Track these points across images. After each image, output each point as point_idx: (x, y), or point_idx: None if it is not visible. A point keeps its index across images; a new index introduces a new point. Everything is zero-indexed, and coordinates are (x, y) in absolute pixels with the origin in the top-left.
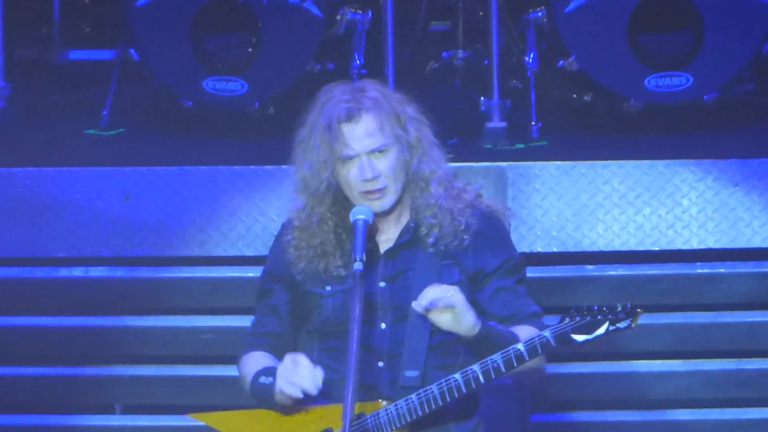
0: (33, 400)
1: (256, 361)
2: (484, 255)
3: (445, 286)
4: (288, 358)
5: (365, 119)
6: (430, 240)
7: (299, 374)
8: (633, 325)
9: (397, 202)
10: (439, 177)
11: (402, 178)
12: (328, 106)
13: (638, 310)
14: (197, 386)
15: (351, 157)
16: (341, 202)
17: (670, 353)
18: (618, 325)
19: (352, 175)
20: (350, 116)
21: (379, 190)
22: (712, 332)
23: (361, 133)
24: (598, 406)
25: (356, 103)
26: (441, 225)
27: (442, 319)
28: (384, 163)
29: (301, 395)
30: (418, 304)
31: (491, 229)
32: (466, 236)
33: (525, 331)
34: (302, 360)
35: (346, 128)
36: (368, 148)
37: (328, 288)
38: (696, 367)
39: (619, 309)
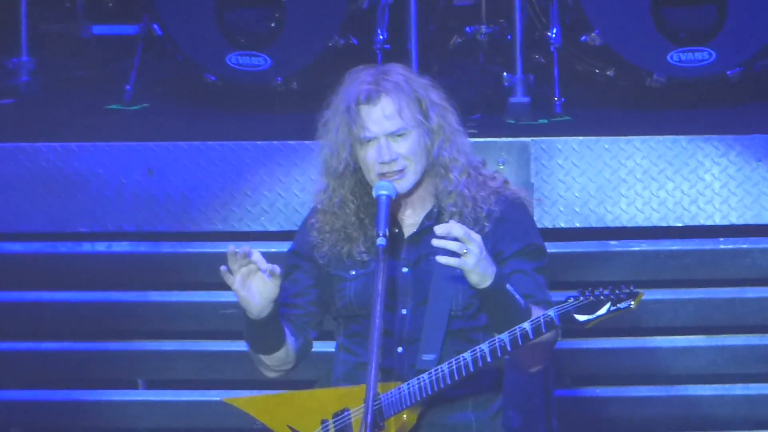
0: (56, 375)
1: None
2: (504, 239)
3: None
4: None
5: (384, 101)
6: None
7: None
8: (633, 306)
9: (418, 185)
10: (462, 165)
11: (423, 162)
12: (350, 88)
13: (639, 291)
14: (220, 361)
15: (369, 139)
16: (363, 185)
17: (693, 328)
18: (619, 305)
19: (369, 157)
20: (369, 98)
21: (398, 171)
22: (736, 307)
23: (379, 116)
24: (621, 381)
25: (376, 85)
26: (461, 213)
27: (461, 260)
28: (403, 146)
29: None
30: (442, 228)
31: (514, 215)
32: (487, 223)
33: (535, 312)
34: None
35: (365, 110)
36: (386, 130)
37: (352, 272)
38: (719, 342)
39: (621, 289)
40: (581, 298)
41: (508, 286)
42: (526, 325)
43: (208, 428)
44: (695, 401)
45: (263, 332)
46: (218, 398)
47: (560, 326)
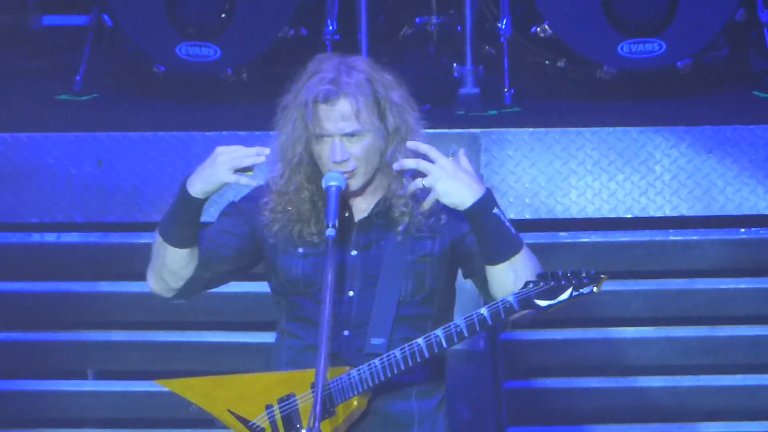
0: (5, 366)
1: None
2: (459, 221)
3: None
4: None
5: (342, 103)
6: (400, 228)
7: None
8: (596, 290)
9: (369, 183)
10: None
11: (374, 163)
12: (311, 83)
13: (602, 276)
14: (170, 352)
15: (324, 137)
16: (319, 173)
17: (643, 320)
18: (581, 290)
19: (324, 154)
20: (327, 98)
21: (349, 171)
22: (685, 299)
23: (336, 116)
24: (572, 372)
25: (336, 85)
26: (411, 213)
27: (439, 164)
28: (357, 147)
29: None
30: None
31: None
32: (443, 215)
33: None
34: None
35: (322, 109)
36: (342, 131)
37: (300, 250)
38: (669, 334)
39: (583, 275)
40: (541, 283)
41: (496, 210)
42: (484, 310)
43: (158, 419)
44: (645, 392)
45: (189, 218)
46: (167, 389)
47: (519, 311)
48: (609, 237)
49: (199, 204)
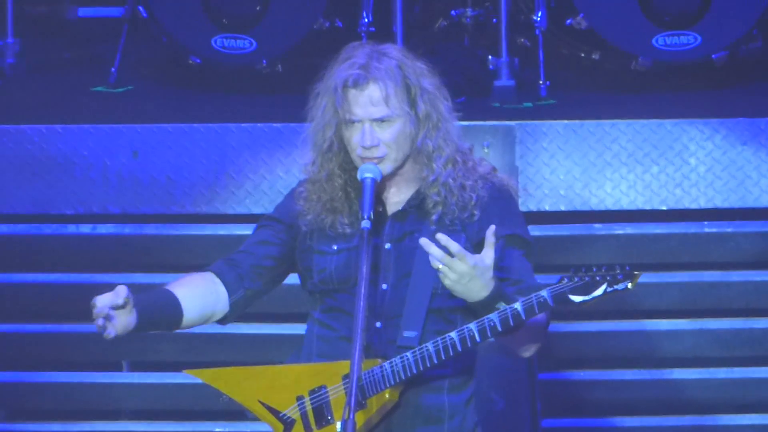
0: (41, 357)
1: (177, 283)
2: (491, 222)
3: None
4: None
5: (371, 88)
6: (434, 217)
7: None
8: (630, 287)
9: (400, 169)
10: (447, 154)
11: (405, 149)
12: (341, 68)
13: (636, 272)
14: (205, 343)
15: (354, 122)
16: (350, 160)
17: (677, 312)
18: (616, 286)
19: (354, 139)
20: (356, 83)
21: (378, 157)
22: (720, 291)
23: (365, 101)
24: (605, 364)
25: (366, 70)
26: (445, 203)
27: (456, 272)
28: (386, 133)
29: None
30: (429, 244)
31: (501, 200)
32: (476, 211)
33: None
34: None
35: (352, 94)
36: (371, 116)
37: (334, 246)
38: (703, 326)
39: (618, 270)
40: (575, 278)
41: (499, 304)
42: (518, 305)
43: (192, 410)
44: (679, 385)
45: (148, 328)
46: (200, 380)
47: (554, 307)
48: (643, 229)
49: (139, 327)
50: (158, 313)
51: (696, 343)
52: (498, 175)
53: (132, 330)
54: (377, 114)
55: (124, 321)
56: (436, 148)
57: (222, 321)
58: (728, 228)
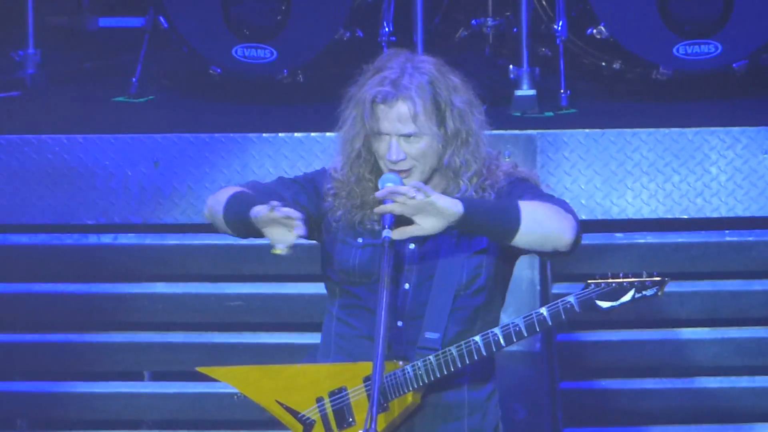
0: (62, 367)
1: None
2: (513, 196)
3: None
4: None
5: (400, 105)
6: (455, 232)
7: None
8: (660, 294)
9: (427, 182)
10: (474, 169)
11: (432, 164)
12: (373, 81)
13: (665, 279)
14: (226, 353)
15: (381, 134)
16: (380, 167)
17: (698, 321)
18: (645, 292)
19: (381, 150)
20: (385, 99)
21: (404, 170)
22: (741, 300)
23: (393, 117)
24: (627, 373)
25: (395, 87)
26: None
27: (417, 209)
28: (414, 148)
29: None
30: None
31: (520, 185)
32: None
33: (530, 203)
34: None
35: (381, 109)
36: (398, 131)
37: (360, 240)
38: (725, 335)
39: (646, 276)
40: (603, 284)
41: (474, 209)
42: (544, 310)
43: (214, 420)
44: (701, 393)
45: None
46: (224, 390)
47: (580, 313)
48: (665, 238)
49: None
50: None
51: (718, 352)
52: (519, 169)
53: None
54: (404, 130)
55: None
56: (464, 164)
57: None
58: (749, 237)
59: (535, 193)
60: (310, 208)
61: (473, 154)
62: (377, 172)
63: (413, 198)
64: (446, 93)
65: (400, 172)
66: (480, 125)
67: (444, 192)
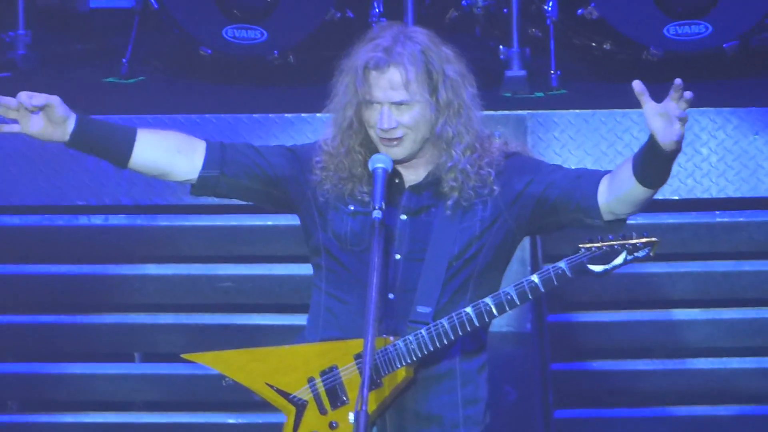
0: (53, 348)
1: (156, 129)
2: (511, 180)
3: None
4: None
5: (392, 72)
6: (449, 202)
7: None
8: (651, 254)
9: (417, 153)
10: (467, 141)
11: (424, 132)
12: (365, 49)
13: (656, 240)
14: (217, 334)
15: (373, 103)
16: (371, 138)
17: (690, 302)
18: (636, 254)
19: (373, 119)
20: (377, 65)
21: (396, 138)
22: (732, 281)
23: (385, 84)
24: (619, 354)
25: (388, 54)
26: (461, 188)
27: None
28: (406, 116)
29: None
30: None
31: (517, 160)
32: (495, 186)
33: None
34: None
35: (373, 76)
36: (390, 99)
37: (351, 207)
38: (716, 316)
39: (636, 238)
40: (593, 248)
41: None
42: (535, 277)
43: (205, 401)
44: (693, 374)
45: (92, 147)
46: (215, 372)
47: (572, 278)
48: (655, 218)
49: (80, 139)
50: (104, 134)
51: (709, 333)
52: (510, 146)
53: (66, 141)
54: (396, 98)
55: (47, 123)
56: (456, 134)
57: (193, 192)
58: (740, 218)
59: (555, 167)
60: (292, 176)
61: (465, 125)
62: (367, 145)
63: None
64: (439, 63)
65: (391, 140)
66: (472, 98)
67: (437, 163)
